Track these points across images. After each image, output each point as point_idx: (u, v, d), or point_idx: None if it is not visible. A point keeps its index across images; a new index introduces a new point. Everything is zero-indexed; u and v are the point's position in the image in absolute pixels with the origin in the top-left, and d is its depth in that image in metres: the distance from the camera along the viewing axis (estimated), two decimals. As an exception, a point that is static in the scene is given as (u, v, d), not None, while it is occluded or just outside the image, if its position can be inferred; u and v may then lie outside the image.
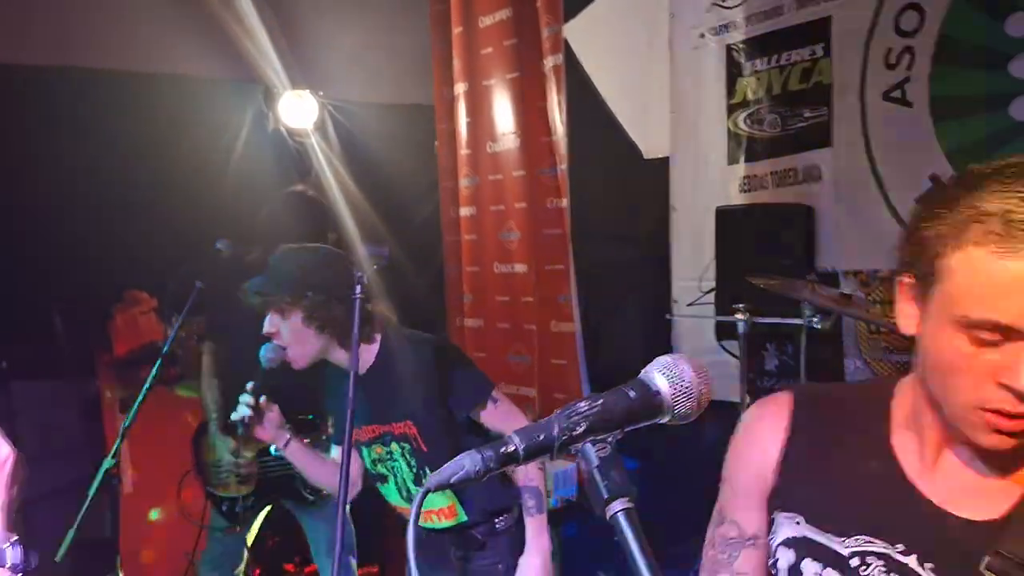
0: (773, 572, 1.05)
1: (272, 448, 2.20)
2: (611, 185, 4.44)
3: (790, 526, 1.02)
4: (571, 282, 4.12)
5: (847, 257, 3.92)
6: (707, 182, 4.52)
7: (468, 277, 4.71)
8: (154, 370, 2.53)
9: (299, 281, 2.00)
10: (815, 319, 2.83)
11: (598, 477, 0.74)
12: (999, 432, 0.86)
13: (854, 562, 0.97)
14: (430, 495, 2.05)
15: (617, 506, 0.73)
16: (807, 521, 1.01)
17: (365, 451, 2.13)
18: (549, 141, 4.14)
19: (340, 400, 2.17)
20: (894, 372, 3.74)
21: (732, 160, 4.43)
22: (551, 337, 4.23)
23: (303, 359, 2.07)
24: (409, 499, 2.14)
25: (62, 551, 2.39)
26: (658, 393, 0.79)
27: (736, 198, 4.39)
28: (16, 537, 1.52)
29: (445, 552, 2.16)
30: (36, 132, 3.63)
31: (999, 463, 0.93)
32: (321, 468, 2.21)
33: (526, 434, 0.76)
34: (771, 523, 1.06)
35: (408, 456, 2.09)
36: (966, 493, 0.94)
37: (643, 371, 0.83)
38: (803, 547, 1.01)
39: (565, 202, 4.14)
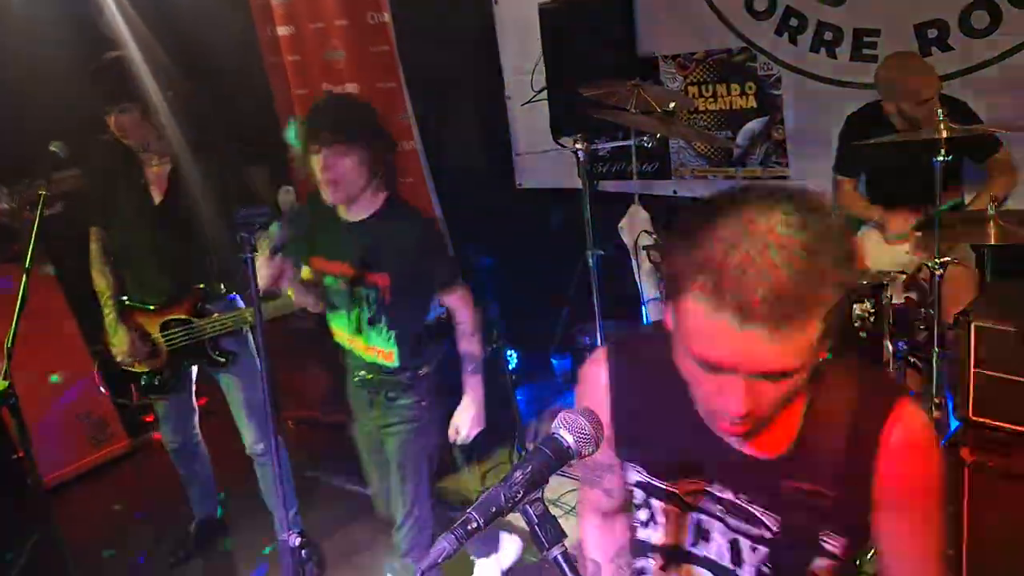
0: (634, 500, 1.32)
1: None
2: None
3: (635, 473, 1.30)
4: (405, 100, 4.11)
5: (665, 42, 4.13)
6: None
7: (299, 100, 4.55)
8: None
9: (365, 122, 2.24)
10: (644, 139, 3.10)
11: (539, 531, 1.03)
12: (730, 429, 1.09)
13: (688, 499, 1.23)
14: (378, 336, 2.35)
15: (555, 551, 1.02)
16: (647, 472, 1.28)
17: (330, 279, 2.40)
18: (359, -52, 3.88)
19: (325, 240, 2.40)
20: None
21: (545, -56, 4.34)
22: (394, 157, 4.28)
23: (344, 196, 2.24)
24: (359, 331, 2.45)
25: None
26: (568, 447, 1.06)
27: (554, -14, 4.37)
28: None
29: (377, 394, 2.50)
30: None
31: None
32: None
33: (482, 510, 1.02)
34: (622, 465, 1.31)
35: (371, 301, 2.37)
36: (756, 438, 1.15)
37: (552, 428, 1.09)
38: (648, 489, 1.29)
39: (387, 16, 4.00)
